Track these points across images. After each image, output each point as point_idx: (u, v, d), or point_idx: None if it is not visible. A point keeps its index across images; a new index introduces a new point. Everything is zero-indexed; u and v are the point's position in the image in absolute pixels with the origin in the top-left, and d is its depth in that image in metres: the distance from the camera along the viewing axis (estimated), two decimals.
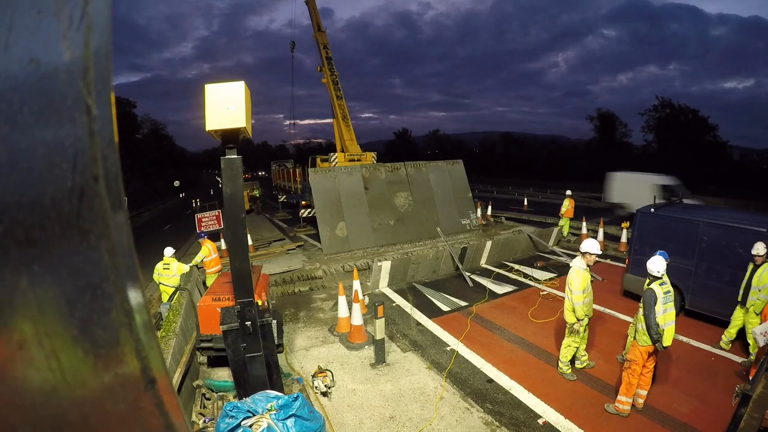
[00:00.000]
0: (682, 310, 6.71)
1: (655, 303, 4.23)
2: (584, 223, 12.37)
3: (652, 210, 7.26)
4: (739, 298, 5.61)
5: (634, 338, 4.53)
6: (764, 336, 4.31)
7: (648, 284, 4.42)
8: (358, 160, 16.03)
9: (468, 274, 9.15)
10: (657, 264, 4.38)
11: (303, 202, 15.59)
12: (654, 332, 4.24)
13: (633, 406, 4.46)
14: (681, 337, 6.18)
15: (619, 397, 4.46)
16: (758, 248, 5.40)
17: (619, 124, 41.69)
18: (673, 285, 6.71)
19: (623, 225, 11.55)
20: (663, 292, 4.31)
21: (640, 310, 4.44)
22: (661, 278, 4.37)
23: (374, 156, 16.96)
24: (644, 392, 4.50)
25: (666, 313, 4.30)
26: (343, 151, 16.60)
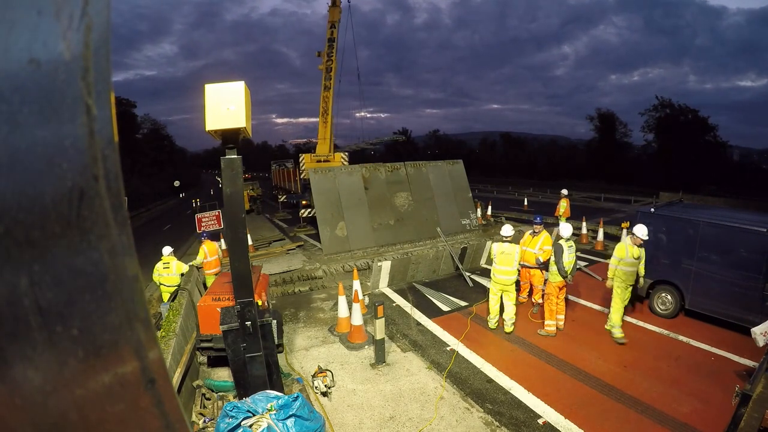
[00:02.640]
0: (682, 309, 6.72)
1: (562, 253, 6.19)
2: (584, 223, 12.36)
3: (652, 210, 7.26)
4: None
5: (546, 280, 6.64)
6: (764, 336, 4.32)
7: (556, 241, 6.46)
8: (326, 161, 15.57)
9: (468, 274, 9.15)
10: (567, 230, 6.48)
11: (303, 201, 15.56)
12: (563, 272, 6.19)
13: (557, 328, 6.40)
14: (681, 337, 6.18)
15: (546, 322, 6.42)
16: None
17: (619, 123, 41.68)
18: (673, 285, 6.78)
19: (623, 225, 11.55)
20: (567, 247, 6.29)
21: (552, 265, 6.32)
22: (567, 239, 6.42)
23: (344, 157, 16.40)
24: (561, 317, 6.47)
25: (568, 260, 6.26)
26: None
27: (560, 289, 6.30)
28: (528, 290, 7.54)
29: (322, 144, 16.22)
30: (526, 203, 22.46)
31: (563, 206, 12.31)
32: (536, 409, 4.57)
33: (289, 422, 3.26)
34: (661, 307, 6.95)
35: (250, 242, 11.14)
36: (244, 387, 4.07)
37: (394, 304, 7.82)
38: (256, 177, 34.82)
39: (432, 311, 7.47)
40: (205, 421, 4.27)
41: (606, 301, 7.62)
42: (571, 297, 7.86)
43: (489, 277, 9.25)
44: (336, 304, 7.00)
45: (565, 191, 12.98)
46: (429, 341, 6.29)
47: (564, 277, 6.19)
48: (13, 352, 0.39)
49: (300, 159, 15.67)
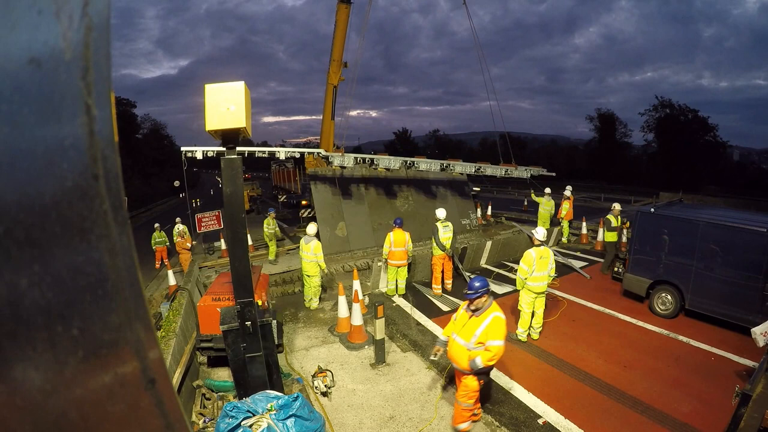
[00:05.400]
0: (682, 309, 6.72)
1: (437, 232, 7.87)
2: (584, 223, 12.36)
3: (652, 210, 7.26)
4: None
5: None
6: (764, 336, 4.32)
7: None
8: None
9: (468, 274, 9.14)
10: (441, 213, 8.10)
11: (303, 202, 15.53)
12: (441, 247, 7.88)
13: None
14: (681, 337, 6.18)
15: (434, 286, 8.36)
16: None
17: (619, 123, 41.64)
18: (673, 285, 6.78)
19: (623, 225, 11.53)
20: (442, 227, 7.90)
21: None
22: (443, 220, 8.00)
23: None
24: (449, 281, 8.35)
25: (445, 237, 7.91)
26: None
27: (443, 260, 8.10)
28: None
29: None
30: (526, 203, 22.44)
31: (566, 208, 12.07)
32: (536, 409, 4.57)
33: (289, 422, 3.26)
34: (661, 307, 6.95)
35: (249, 242, 11.13)
36: (244, 387, 4.06)
37: (394, 304, 7.82)
38: (256, 177, 34.77)
39: (432, 311, 7.47)
40: (205, 421, 4.27)
41: (606, 301, 7.64)
42: (570, 297, 7.86)
43: (489, 276, 9.29)
44: (336, 304, 7.00)
45: (567, 191, 12.28)
46: (429, 341, 6.28)
47: (443, 251, 7.89)
48: (13, 352, 0.39)
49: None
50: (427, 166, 11.34)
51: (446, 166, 11.64)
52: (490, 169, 12.38)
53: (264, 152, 10.33)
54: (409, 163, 11.26)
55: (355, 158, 10.53)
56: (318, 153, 10.80)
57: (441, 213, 8.09)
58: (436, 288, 8.22)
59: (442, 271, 8.18)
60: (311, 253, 7.36)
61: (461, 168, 12.02)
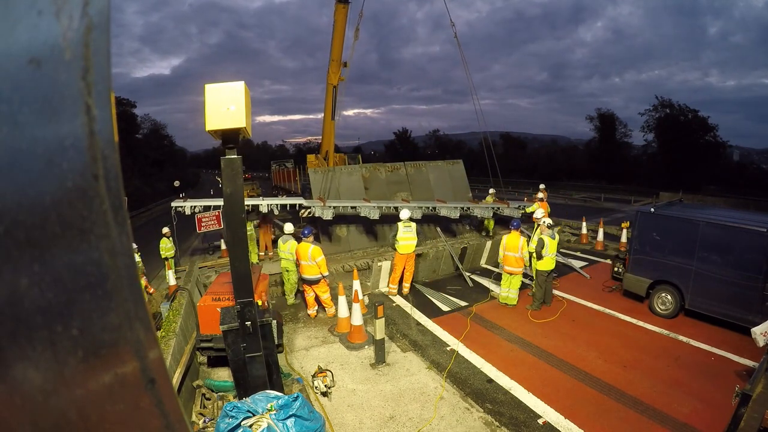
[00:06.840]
0: (682, 309, 6.72)
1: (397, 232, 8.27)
2: (584, 223, 12.36)
3: (652, 210, 7.26)
4: None
5: None
6: (764, 336, 4.32)
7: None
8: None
9: (468, 274, 9.15)
10: (404, 213, 8.40)
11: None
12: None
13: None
14: (681, 337, 6.18)
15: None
16: None
17: (619, 123, 41.61)
18: (673, 285, 6.77)
19: (623, 225, 11.54)
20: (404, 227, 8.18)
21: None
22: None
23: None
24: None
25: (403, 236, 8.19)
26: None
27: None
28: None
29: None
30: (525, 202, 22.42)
31: (533, 207, 11.78)
32: (536, 409, 4.57)
33: (289, 422, 3.26)
34: (661, 307, 6.95)
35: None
36: (244, 387, 4.06)
37: (394, 304, 7.82)
38: (256, 177, 34.74)
39: (432, 311, 7.47)
40: (205, 421, 4.27)
41: (606, 301, 7.64)
42: (570, 297, 7.87)
43: (489, 276, 9.30)
44: (336, 304, 7.00)
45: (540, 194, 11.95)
46: (429, 341, 6.29)
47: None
48: (13, 352, 0.39)
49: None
50: (411, 212, 10.32)
51: (433, 208, 10.57)
52: (478, 210, 11.06)
53: (248, 206, 9.89)
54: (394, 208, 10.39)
55: (334, 207, 9.93)
56: (299, 205, 10.46)
57: (404, 213, 8.40)
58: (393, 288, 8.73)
59: None
60: (287, 252, 7.58)
61: (448, 210, 10.57)
